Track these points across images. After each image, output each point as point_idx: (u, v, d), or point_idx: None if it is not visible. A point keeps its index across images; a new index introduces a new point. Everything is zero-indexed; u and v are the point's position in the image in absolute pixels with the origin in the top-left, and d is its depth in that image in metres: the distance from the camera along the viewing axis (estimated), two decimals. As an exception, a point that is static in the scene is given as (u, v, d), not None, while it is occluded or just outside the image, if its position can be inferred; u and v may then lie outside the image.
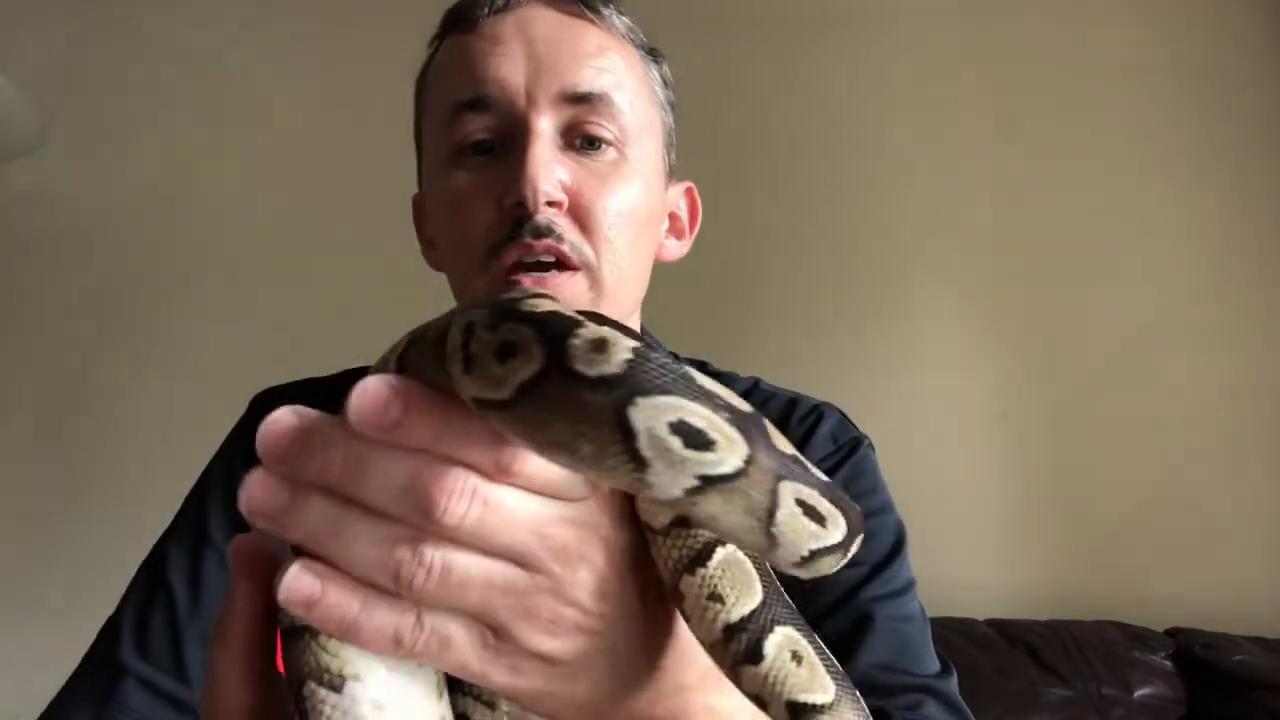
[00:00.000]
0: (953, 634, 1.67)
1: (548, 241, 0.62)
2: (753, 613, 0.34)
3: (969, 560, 1.89)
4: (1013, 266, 1.95)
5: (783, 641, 0.34)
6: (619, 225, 0.65)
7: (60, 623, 1.92)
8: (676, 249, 0.78)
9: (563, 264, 0.63)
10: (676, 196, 0.77)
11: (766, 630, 0.34)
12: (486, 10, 0.67)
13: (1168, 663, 1.64)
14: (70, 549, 1.91)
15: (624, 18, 0.71)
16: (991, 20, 2.05)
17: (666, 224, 0.76)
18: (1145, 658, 1.63)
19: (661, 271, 0.75)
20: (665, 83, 0.74)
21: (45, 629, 1.88)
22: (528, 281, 0.63)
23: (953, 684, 0.66)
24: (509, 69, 0.65)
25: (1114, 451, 1.89)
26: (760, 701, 0.33)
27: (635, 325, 0.74)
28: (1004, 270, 1.95)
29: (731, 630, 0.33)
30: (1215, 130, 1.95)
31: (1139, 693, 1.60)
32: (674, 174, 0.76)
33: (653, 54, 0.74)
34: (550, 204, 0.63)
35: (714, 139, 1.99)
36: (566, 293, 0.63)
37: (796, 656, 0.34)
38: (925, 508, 1.91)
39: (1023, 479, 1.91)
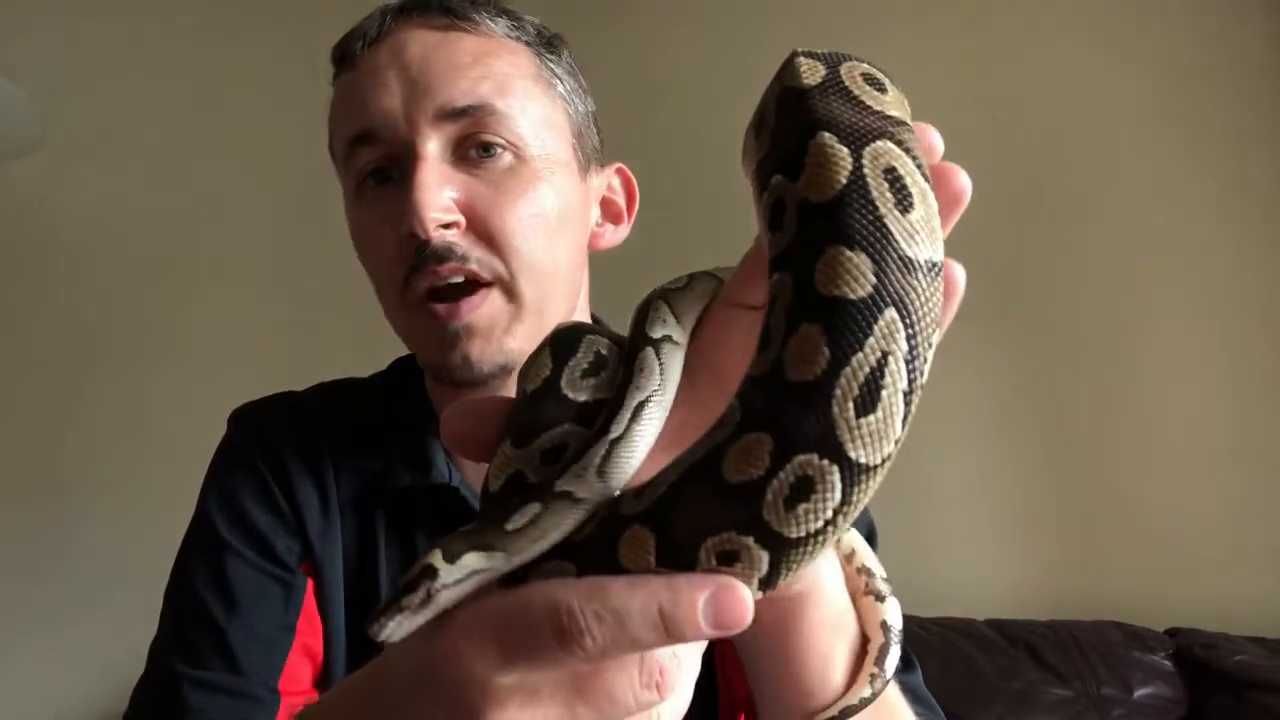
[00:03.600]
0: (953, 634, 1.68)
1: (452, 264, 0.62)
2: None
3: (969, 560, 1.89)
4: (1012, 266, 1.95)
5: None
6: (524, 231, 0.64)
7: (59, 624, 1.92)
8: (614, 234, 0.76)
9: (475, 281, 0.63)
10: (605, 181, 0.76)
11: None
12: (362, 44, 0.67)
13: (1168, 663, 1.64)
14: (69, 549, 1.91)
15: (503, 18, 0.69)
16: (991, 15, 2.05)
17: (598, 212, 0.75)
18: (1145, 658, 1.63)
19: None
20: (569, 72, 0.72)
21: (44, 630, 1.88)
22: (441, 310, 0.63)
23: (919, 678, 0.66)
24: (386, 98, 0.64)
25: (1114, 451, 1.89)
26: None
27: (582, 318, 0.73)
28: (1003, 269, 1.95)
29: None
30: (1220, 127, 1.95)
31: (1139, 693, 1.59)
32: (595, 160, 0.73)
33: (550, 45, 0.72)
34: (446, 225, 0.62)
35: (692, 125, 1.99)
36: (484, 311, 0.63)
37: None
38: (925, 508, 1.91)
39: (1023, 479, 1.91)
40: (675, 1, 2.13)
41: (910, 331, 0.27)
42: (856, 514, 0.28)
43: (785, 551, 0.28)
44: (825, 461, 0.27)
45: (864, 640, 0.47)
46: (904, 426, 0.27)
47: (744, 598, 0.28)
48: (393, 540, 0.69)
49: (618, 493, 0.33)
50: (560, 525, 0.32)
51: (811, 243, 0.28)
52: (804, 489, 0.27)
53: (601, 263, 0.76)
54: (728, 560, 0.28)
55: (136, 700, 0.66)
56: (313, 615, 0.67)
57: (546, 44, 0.71)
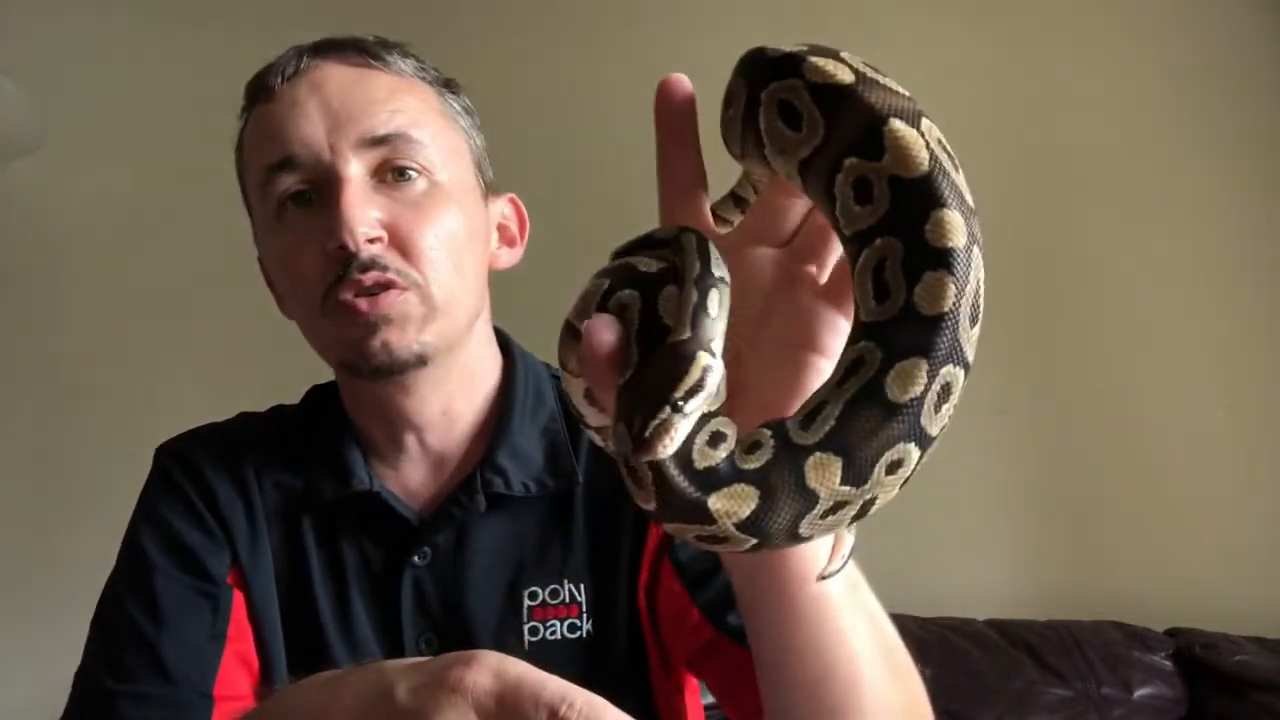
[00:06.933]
0: (953, 634, 1.68)
1: (374, 273, 0.67)
2: None
3: (969, 560, 1.89)
4: (1012, 263, 1.95)
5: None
6: (439, 246, 0.70)
7: (58, 624, 1.92)
8: (509, 257, 0.83)
9: (391, 286, 0.67)
10: (500, 209, 0.82)
11: None
12: (281, 79, 0.72)
13: (1168, 663, 1.64)
14: (68, 549, 1.91)
15: (410, 59, 0.76)
16: (991, 15, 2.05)
17: (496, 236, 0.81)
18: (1145, 658, 1.63)
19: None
20: (466, 109, 0.79)
21: (43, 630, 1.88)
22: (363, 304, 0.67)
23: None
24: (308, 126, 0.69)
25: (1114, 450, 1.89)
26: None
27: (484, 332, 0.79)
28: (1003, 267, 1.94)
29: None
30: (1221, 127, 1.95)
31: (1139, 693, 1.60)
32: (492, 189, 0.80)
33: (449, 85, 0.79)
34: (371, 240, 0.67)
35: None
36: (399, 305, 0.68)
37: None
38: (925, 507, 1.90)
39: (1022, 478, 1.91)
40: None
41: (983, 257, 0.37)
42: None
43: (928, 448, 0.36)
44: (959, 369, 0.36)
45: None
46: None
47: None
48: (321, 548, 0.73)
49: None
50: (729, 304, 0.38)
51: (913, 209, 0.36)
52: (946, 394, 0.36)
53: (496, 281, 0.81)
54: (893, 469, 0.36)
55: None
56: (242, 624, 0.70)
57: (446, 85, 0.78)
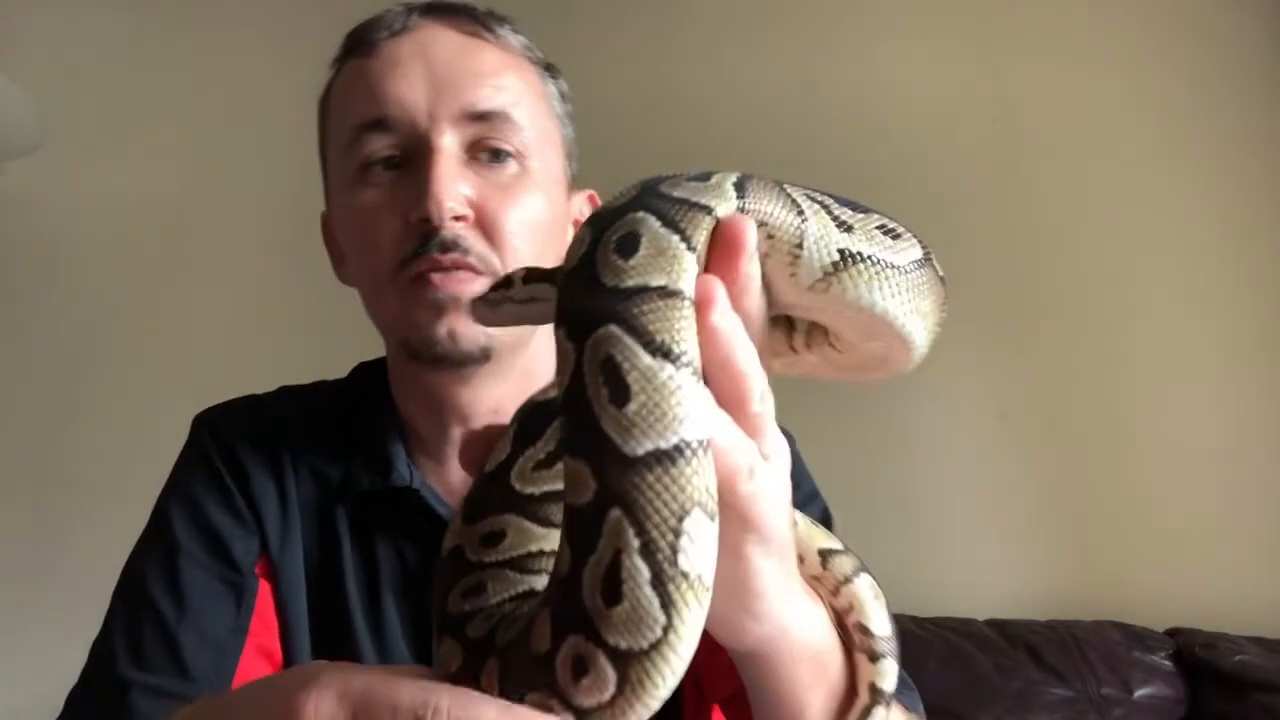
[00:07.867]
0: (953, 634, 1.68)
1: (454, 255, 0.65)
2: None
3: (969, 560, 1.89)
4: (1012, 267, 1.95)
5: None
6: (523, 233, 0.68)
7: (59, 623, 1.92)
8: None
9: (469, 270, 0.66)
10: (580, 204, 0.80)
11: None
12: (385, 33, 0.69)
13: (1168, 663, 1.64)
14: (68, 549, 1.91)
15: (519, 36, 0.74)
16: (991, 16, 2.05)
17: (571, 230, 0.79)
18: (1145, 658, 1.63)
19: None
20: (562, 96, 0.77)
21: (44, 629, 1.88)
22: (436, 278, 0.65)
23: (917, 705, 0.67)
24: (408, 90, 0.67)
25: (1114, 451, 1.89)
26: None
27: (547, 330, 0.76)
28: (1004, 270, 1.95)
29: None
30: (1220, 129, 1.95)
31: (1139, 693, 1.60)
32: (575, 183, 0.78)
33: (549, 69, 0.76)
34: (456, 218, 0.65)
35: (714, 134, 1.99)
36: (474, 289, 0.66)
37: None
38: (925, 508, 1.91)
39: (1023, 479, 1.91)
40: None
41: (639, 528, 0.27)
42: (656, 690, 0.29)
43: (585, 717, 0.29)
44: (590, 644, 0.28)
45: (853, 694, 0.48)
46: (669, 612, 0.28)
47: None
48: (355, 542, 0.71)
49: None
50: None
51: (563, 445, 0.30)
52: (582, 667, 0.29)
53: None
54: (546, 710, 0.30)
55: (80, 700, 0.66)
56: (267, 615, 0.68)
57: (547, 68, 0.76)
